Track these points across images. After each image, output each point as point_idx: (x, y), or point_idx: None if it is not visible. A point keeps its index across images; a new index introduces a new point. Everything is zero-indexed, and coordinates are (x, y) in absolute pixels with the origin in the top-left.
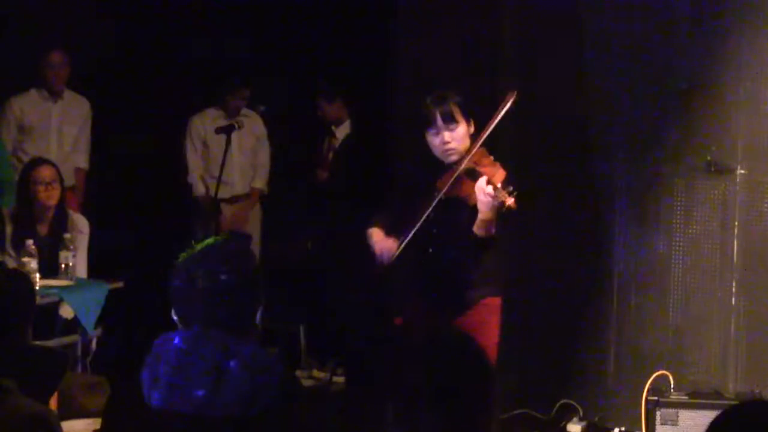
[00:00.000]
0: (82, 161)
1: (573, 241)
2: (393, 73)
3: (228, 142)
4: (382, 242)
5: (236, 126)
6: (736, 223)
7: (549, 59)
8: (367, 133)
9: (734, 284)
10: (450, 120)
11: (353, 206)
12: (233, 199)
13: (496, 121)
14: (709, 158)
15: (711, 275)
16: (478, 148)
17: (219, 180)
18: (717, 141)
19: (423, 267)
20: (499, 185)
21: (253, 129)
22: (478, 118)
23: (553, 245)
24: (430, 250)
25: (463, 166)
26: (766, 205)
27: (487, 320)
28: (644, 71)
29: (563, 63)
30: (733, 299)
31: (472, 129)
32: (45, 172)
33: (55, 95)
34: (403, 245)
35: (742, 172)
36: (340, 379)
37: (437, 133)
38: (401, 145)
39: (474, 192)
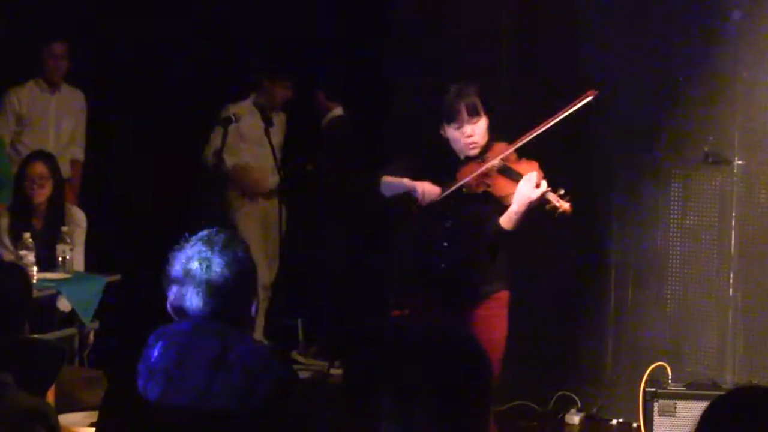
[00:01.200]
0: (78, 153)
1: (570, 233)
2: (392, 70)
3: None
4: (422, 183)
5: (233, 119)
6: (734, 215)
7: (546, 51)
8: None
9: (732, 275)
10: (474, 113)
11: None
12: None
13: (563, 116)
14: (706, 149)
15: (708, 267)
16: (506, 145)
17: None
18: (714, 132)
19: (435, 261)
20: (549, 188)
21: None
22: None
23: (550, 238)
24: (445, 244)
25: (493, 161)
26: (763, 196)
27: (498, 314)
28: (641, 63)
29: (560, 55)
30: (731, 290)
31: (488, 122)
32: (37, 169)
33: (53, 87)
34: (446, 193)
35: (740, 163)
36: (338, 371)
37: (460, 127)
38: (401, 137)
39: (511, 190)
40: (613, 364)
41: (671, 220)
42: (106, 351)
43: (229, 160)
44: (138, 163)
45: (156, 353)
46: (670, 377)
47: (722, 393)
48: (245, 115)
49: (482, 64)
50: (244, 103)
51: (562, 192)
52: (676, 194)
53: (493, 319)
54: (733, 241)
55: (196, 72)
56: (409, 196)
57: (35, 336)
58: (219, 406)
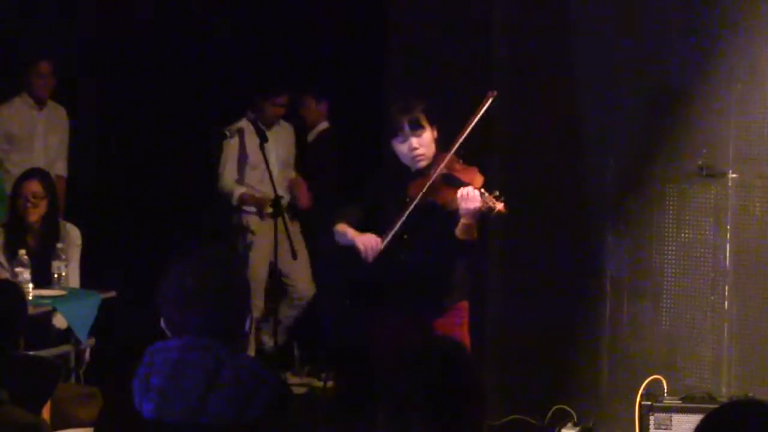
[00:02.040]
0: (62, 169)
1: (565, 247)
2: (385, 78)
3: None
4: (364, 238)
5: (227, 134)
6: (728, 228)
7: (540, 64)
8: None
9: (727, 288)
10: (417, 126)
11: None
12: None
13: (474, 122)
14: (700, 163)
15: (703, 280)
16: (450, 154)
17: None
18: (708, 145)
19: (395, 274)
20: (484, 191)
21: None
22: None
23: (545, 251)
24: (402, 257)
25: (437, 172)
26: (757, 208)
27: (460, 324)
28: (635, 75)
29: (554, 68)
30: (726, 303)
31: (436, 134)
32: (31, 187)
33: (39, 104)
34: (386, 242)
35: (734, 176)
36: (332, 385)
37: (404, 141)
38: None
39: (454, 198)
40: (608, 377)
41: (666, 233)
42: (102, 367)
43: (236, 191)
44: (133, 179)
45: (151, 370)
46: (665, 390)
47: (717, 406)
48: (247, 131)
49: (474, 76)
50: (242, 121)
51: (497, 193)
52: (670, 207)
53: (455, 330)
54: (728, 254)
55: (193, 91)
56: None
57: (31, 353)
58: (213, 421)
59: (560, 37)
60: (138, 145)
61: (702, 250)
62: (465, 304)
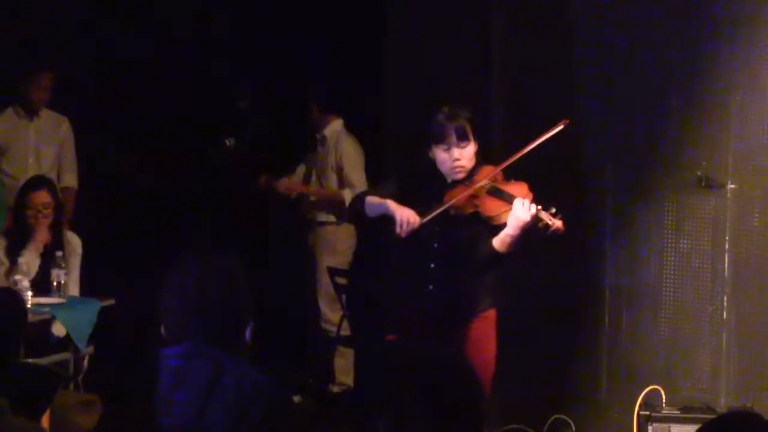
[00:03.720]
0: (70, 180)
1: (564, 256)
2: (384, 83)
3: None
4: (404, 210)
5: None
6: (727, 238)
7: (540, 72)
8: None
9: (725, 299)
10: (463, 137)
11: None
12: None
13: (535, 144)
14: (699, 173)
15: (702, 290)
16: (492, 167)
17: None
18: (707, 156)
19: (423, 282)
20: (540, 207)
21: None
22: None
23: (544, 260)
24: (432, 266)
25: (480, 183)
26: (756, 219)
27: (487, 333)
28: (635, 85)
29: (554, 76)
30: (725, 314)
31: (476, 148)
32: (41, 198)
33: (31, 114)
34: (427, 219)
35: (733, 186)
36: (336, 389)
37: (448, 149)
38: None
39: (503, 211)
40: (607, 387)
41: (665, 243)
42: (101, 375)
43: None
44: (134, 185)
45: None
46: (664, 401)
47: (714, 417)
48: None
49: (474, 88)
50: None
51: (553, 210)
52: (669, 217)
53: (483, 339)
54: (726, 264)
55: (193, 95)
56: (389, 220)
57: (30, 361)
58: (213, 429)
59: (559, 44)
60: (136, 151)
61: (701, 260)
62: (492, 312)
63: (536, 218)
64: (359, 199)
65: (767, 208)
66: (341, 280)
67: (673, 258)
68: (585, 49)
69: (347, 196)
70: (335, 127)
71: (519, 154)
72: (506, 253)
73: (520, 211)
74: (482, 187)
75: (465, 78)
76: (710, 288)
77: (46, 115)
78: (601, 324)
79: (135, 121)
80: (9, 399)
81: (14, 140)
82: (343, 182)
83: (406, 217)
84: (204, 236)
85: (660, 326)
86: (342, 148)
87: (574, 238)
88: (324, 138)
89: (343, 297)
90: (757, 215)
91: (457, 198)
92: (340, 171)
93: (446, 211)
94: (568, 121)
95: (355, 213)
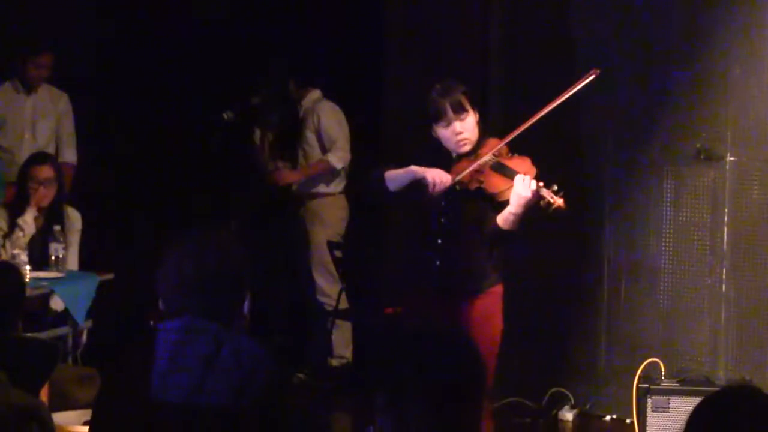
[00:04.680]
0: (69, 156)
1: (563, 229)
2: (384, 65)
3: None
4: (434, 171)
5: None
6: (726, 211)
7: (537, 48)
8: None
9: (724, 271)
10: (460, 110)
11: None
12: None
13: (566, 96)
14: (698, 146)
15: (701, 262)
16: (497, 140)
17: None
18: (706, 129)
19: (430, 258)
20: (542, 184)
21: None
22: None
23: (542, 234)
24: (439, 241)
25: (484, 158)
26: (755, 191)
27: (493, 309)
28: (633, 59)
29: (552, 52)
30: (723, 286)
31: (477, 117)
32: (42, 172)
33: (28, 88)
34: (458, 179)
35: (732, 159)
36: (335, 362)
37: (448, 125)
38: (394, 135)
39: (506, 188)
40: (606, 360)
41: (664, 217)
42: (100, 349)
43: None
44: (132, 161)
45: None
46: (663, 373)
47: (713, 390)
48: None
49: (473, 66)
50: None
51: (555, 188)
52: (668, 190)
53: (489, 315)
54: (725, 237)
55: (195, 72)
56: (419, 184)
57: (29, 335)
58: (212, 402)
59: (558, 21)
60: (135, 127)
61: (700, 233)
62: (499, 288)
63: (537, 195)
64: (376, 179)
65: (766, 180)
66: (339, 254)
67: (671, 231)
68: (584, 25)
69: (332, 159)
70: (313, 96)
71: (528, 123)
72: (510, 231)
73: (521, 187)
74: (486, 162)
75: (464, 59)
76: (709, 260)
77: (45, 90)
78: (600, 297)
79: (135, 94)
80: (8, 373)
81: (10, 114)
82: (324, 144)
83: (438, 176)
84: (203, 211)
85: (659, 299)
86: (320, 111)
87: (572, 213)
88: (303, 107)
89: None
90: (756, 187)
91: (462, 174)
92: (318, 133)
93: (452, 186)
94: (599, 71)
95: (377, 194)
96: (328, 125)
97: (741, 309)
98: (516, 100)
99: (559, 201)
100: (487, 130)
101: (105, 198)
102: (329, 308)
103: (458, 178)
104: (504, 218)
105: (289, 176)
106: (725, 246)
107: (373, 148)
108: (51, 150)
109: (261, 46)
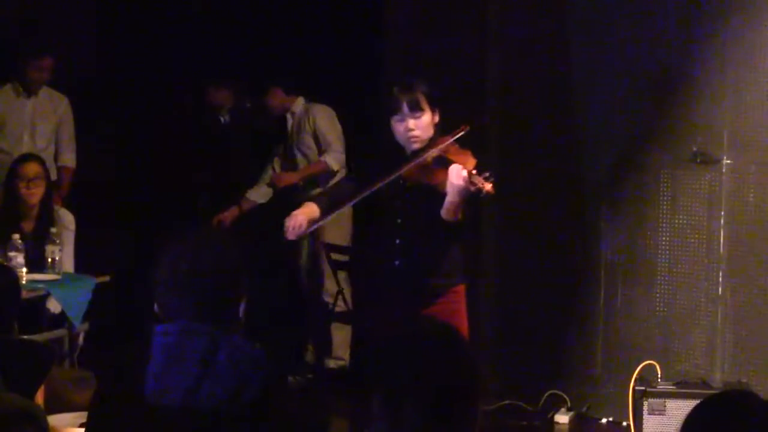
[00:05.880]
0: (69, 159)
1: (559, 232)
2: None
3: None
4: (295, 216)
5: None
6: (722, 214)
7: (535, 49)
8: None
9: (720, 274)
10: (416, 108)
11: None
12: None
13: (448, 142)
14: (694, 149)
15: (697, 265)
16: (449, 137)
17: None
18: (702, 131)
19: (390, 259)
20: (474, 171)
21: None
22: (459, 109)
23: (539, 236)
24: (397, 241)
25: (430, 153)
26: (751, 194)
27: (457, 308)
28: (630, 61)
29: (549, 54)
30: (720, 289)
31: (437, 119)
32: (29, 169)
33: (29, 91)
34: (319, 224)
35: (728, 162)
36: (333, 363)
37: (402, 120)
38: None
39: (445, 179)
40: (602, 362)
41: (660, 219)
42: (96, 352)
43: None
44: (127, 163)
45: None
46: (659, 376)
47: (709, 393)
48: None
49: (469, 62)
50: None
51: (486, 174)
52: (665, 193)
53: (453, 314)
54: (721, 240)
55: (194, 73)
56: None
57: (24, 337)
58: (208, 405)
59: (556, 23)
60: (134, 128)
61: (696, 236)
62: (461, 287)
63: (469, 182)
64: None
65: (762, 183)
66: (337, 257)
67: (668, 234)
68: (581, 25)
69: (329, 161)
70: (300, 102)
71: (452, 137)
72: (454, 221)
73: (453, 176)
74: (430, 156)
75: (462, 59)
76: (705, 263)
77: (45, 93)
78: (596, 299)
79: (133, 95)
80: (3, 375)
81: (10, 116)
82: (321, 145)
83: (292, 222)
84: (200, 214)
85: (655, 302)
86: (314, 113)
87: (569, 214)
88: (294, 114)
89: (338, 273)
90: (752, 190)
91: (406, 168)
92: (316, 135)
93: (401, 183)
94: (468, 127)
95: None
96: (323, 126)
97: (737, 311)
98: (513, 100)
99: (488, 186)
100: (443, 129)
101: (103, 200)
102: (332, 308)
103: (400, 172)
104: (445, 209)
105: (289, 178)
106: (721, 248)
107: (372, 150)
108: (50, 153)
109: (261, 47)
